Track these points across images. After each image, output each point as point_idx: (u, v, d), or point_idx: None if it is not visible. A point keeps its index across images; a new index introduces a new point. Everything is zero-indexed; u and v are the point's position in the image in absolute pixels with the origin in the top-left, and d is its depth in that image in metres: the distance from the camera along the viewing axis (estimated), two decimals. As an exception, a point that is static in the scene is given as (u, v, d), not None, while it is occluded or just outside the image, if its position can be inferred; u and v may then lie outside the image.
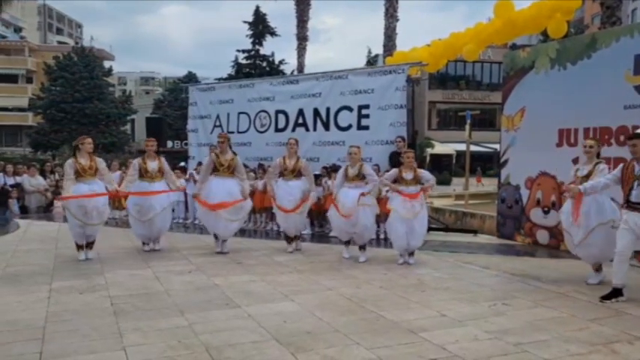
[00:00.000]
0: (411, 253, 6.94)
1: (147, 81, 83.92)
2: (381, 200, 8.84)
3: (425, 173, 7.13)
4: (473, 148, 23.83)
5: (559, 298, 5.22)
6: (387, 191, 8.85)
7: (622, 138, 6.95)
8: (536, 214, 8.32)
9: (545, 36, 14.36)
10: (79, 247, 6.97)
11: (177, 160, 14.45)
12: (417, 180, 6.91)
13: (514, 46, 24.59)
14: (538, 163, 8.23)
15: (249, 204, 7.85)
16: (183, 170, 11.52)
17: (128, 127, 40.84)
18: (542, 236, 8.21)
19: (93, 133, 31.04)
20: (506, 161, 8.98)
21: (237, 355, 3.65)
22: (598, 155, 5.85)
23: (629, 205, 5.01)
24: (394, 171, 7.16)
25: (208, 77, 40.07)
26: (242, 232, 9.28)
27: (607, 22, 12.60)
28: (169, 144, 32.56)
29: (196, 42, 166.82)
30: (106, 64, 42.30)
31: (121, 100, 39.14)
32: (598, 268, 5.82)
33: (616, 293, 5.02)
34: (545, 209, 8.17)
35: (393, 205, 6.88)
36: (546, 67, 8.15)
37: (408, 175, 6.90)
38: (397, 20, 19.36)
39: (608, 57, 7.21)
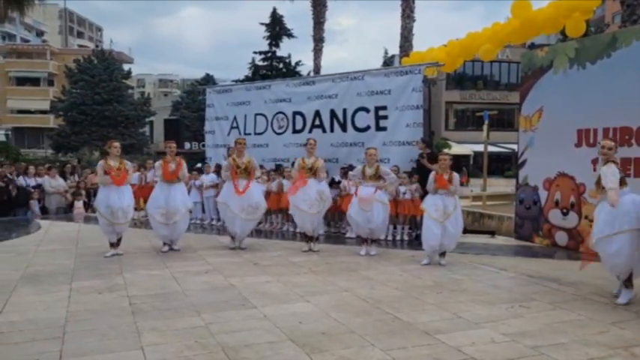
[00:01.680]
0: (443, 254, 6.98)
1: (165, 83, 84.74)
2: (399, 202, 8.87)
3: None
4: (490, 148, 23.60)
5: (578, 301, 5.15)
6: (404, 193, 8.91)
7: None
8: (554, 216, 8.22)
9: (564, 35, 14.17)
10: (111, 244, 7.39)
11: (195, 161, 14.57)
12: (449, 180, 6.95)
13: (532, 46, 24.31)
14: (556, 164, 8.13)
15: (264, 204, 8.08)
16: (200, 172, 11.63)
17: (147, 128, 41.35)
18: (561, 238, 8.11)
19: (112, 134, 31.52)
20: (524, 162, 8.89)
21: (253, 355, 3.68)
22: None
23: None
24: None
25: (225, 79, 40.37)
26: (258, 233, 9.35)
27: (628, 21, 12.37)
28: (187, 145, 32.84)
29: (213, 44, 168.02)
30: (125, 66, 42.85)
31: (139, 102, 39.66)
32: (627, 283, 5.11)
33: None
34: (564, 210, 8.06)
35: (426, 206, 7.01)
36: (565, 67, 8.05)
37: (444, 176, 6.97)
38: (414, 21, 19.28)
39: (628, 56, 7.10)
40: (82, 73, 36.41)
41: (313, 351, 3.76)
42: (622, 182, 5.04)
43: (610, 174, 4.99)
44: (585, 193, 7.69)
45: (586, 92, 7.61)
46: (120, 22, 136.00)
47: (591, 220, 7.63)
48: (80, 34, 72.22)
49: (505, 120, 36.18)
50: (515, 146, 9.82)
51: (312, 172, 7.72)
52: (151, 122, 41.65)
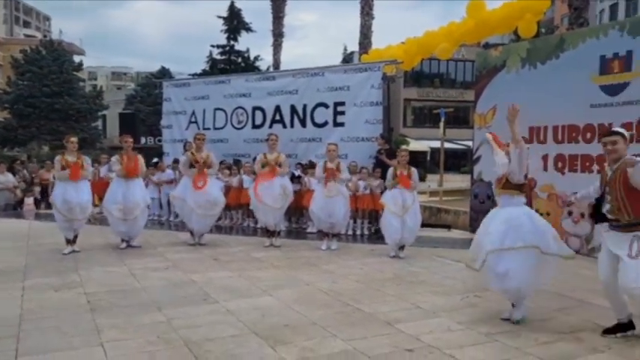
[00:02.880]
0: (402, 247, 7.16)
1: (118, 76, 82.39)
2: (357, 197, 9.02)
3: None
4: (447, 145, 24.16)
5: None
6: (365, 188, 9.07)
7: (588, 135, 7.22)
8: (507, 210, 8.53)
9: (516, 36, 14.68)
10: (68, 241, 7.20)
11: (151, 156, 14.30)
12: (408, 175, 7.14)
13: (487, 45, 25.01)
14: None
15: (222, 200, 8.05)
16: (157, 167, 11.44)
17: (99, 122, 40.10)
18: (513, 231, 8.43)
19: (63, 128, 30.43)
20: (478, 158, 9.19)
21: (217, 348, 3.70)
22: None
23: (605, 219, 3.97)
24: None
25: (182, 72, 39.60)
26: (218, 229, 9.29)
27: (575, 23, 12.97)
28: (142, 140, 32.10)
29: (169, 36, 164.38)
30: (76, 58, 41.30)
31: (91, 96, 38.34)
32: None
33: (622, 327, 3.98)
34: (516, 205, 8.39)
35: (386, 201, 7.18)
36: (517, 67, 8.36)
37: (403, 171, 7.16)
38: (373, 18, 19.52)
39: (575, 57, 7.45)
40: (30, 64, 34.87)
41: (277, 343, 3.81)
42: (521, 189, 4.38)
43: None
44: (536, 187, 8.04)
45: (537, 91, 7.93)
46: (69, 12, 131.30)
47: (542, 214, 8.03)
48: (27, 24, 69.20)
49: (461, 117, 37.08)
50: (470, 143, 10.11)
51: (276, 166, 7.75)
52: (104, 116, 40.41)
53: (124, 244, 7.57)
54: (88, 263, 6.50)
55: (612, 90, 6.93)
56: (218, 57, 34.43)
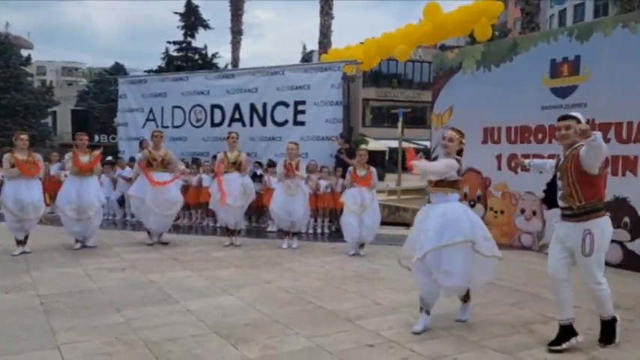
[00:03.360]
0: (362, 245, 7.24)
1: (69, 71, 79.60)
2: (318, 196, 9.07)
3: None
4: (405, 144, 24.56)
5: (485, 285, 5.56)
6: (327, 187, 9.14)
7: (540, 136, 7.51)
8: (463, 208, 8.77)
9: (472, 38, 15.09)
10: (18, 242, 6.97)
11: (105, 154, 13.91)
12: (368, 175, 7.22)
13: (443, 47, 25.56)
14: (465, 160, 8.60)
15: (180, 199, 7.94)
16: (112, 165, 11.16)
17: (49, 119, 38.64)
18: (469, 228, 8.67)
19: (10, 125, 29.18)
20: (436, 158, 9.37)
21: (178, 348, 3.65)
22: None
23: (556, 204, 3.89)
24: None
25: (137, 69, 38.60)
26: (177, 229, 9.14)
27: (527, 28, 13.45)
28: (96, 138, 31.16)
29: (123, 32, 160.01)
30: (24, 52, 39.69)
31: (40, 91, 36.88)
32: (465, 298, 4.43)
33: (565, 335, 3.74)
34: (472, 203, 8.63)
35: (345, 199, 7.26)
36: (472, 69, 8.60)
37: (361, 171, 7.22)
38: (332, 18, 19.65)
39: (527, 60, 7.73)
40: (-27, 57, 33.29)
41: (238, 342, 3.80)
42: (454, 185, 4.30)
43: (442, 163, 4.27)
44: (490, 186, 8.31)
45: (491, 93, 8.18)
46: (17, 5, 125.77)
47: (496, 212, 8.31)
48: (-29, 15, 65.95)
49: (418, 117, 37.78)
50: (428, 143, 10.34)
51: (236, 166, 7.70)
52: (54, 113, 39.00)
53: (78, 245, 7.35)
54: (41, 264, 6.28)
55: (562, 92, 7.22)
56: (174, 54, 33.81)
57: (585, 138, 3.45)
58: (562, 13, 40.86)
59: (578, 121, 3.71)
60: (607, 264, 6.67)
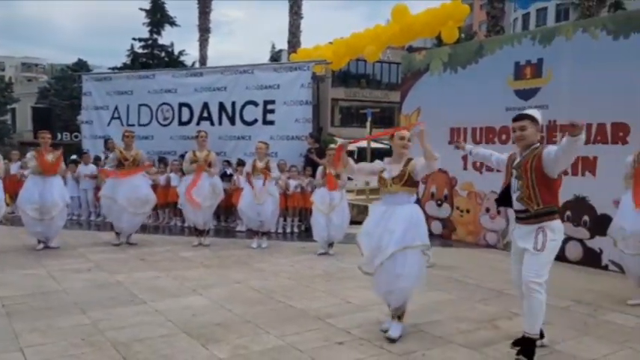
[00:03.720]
0: (331, 244, 7.29)
1: (29, 67, 77.06)
2: (287, 196, 9.07)
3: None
4: (373, 145, 24.76)
5: (451, 282, 5.70)
6: (296, 187, 9.15)
7: (504, 137, 7.70)
8: (430, 207, 8.93)
9: (439, 41, 15.35)
10: None
11: (70, 153, 13.56)
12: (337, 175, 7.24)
13: (411, 49, 25.89)
14: (432, 159, 8.81)
15: (153, 198, 7.84)
16: (76, 164, 10.89)
17: (8, 116, 37.40)
18: (436, 227, 8.83)
19: (-34, 122, 28.14)
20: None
21: (146, 349, 3.61)
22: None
23: (508, 204, 3.75)
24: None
25: (101, 66, 37.70)
26: (143, 229, 8.96)
27: (492, 31, 13.76)
28: (58, 136, 30.31)
29: (87, 27, 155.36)
30: (-18, 47, 38.33)
31: (-1, 88, 35.72)
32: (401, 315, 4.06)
33: (528, 346, 3.48)
34: (439, 202, 8.80)
35: (314, 199, 7.31)
36: (439, 70, 8.76)
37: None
38: (301, 17, 19.63)
39: (492, 63, 7.92)
40: None
41: (208, 341, 3.78)
42: (413, 184, 4.13)
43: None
44: (457, 186, 8.48)
45: (457, 94, 8.35)
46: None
47: (462, 211, 8.48)
48: None
49: (386, 118, 38.06)
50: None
51: (206, 165, 7.64)
52: (13, 110, 37.77)
53: (40, 246, 7.15)
54: (1, 266, 6.08)
55: (525, 94, 7.43)
56: (140, 51, 33.17)
57: (573, 133, 3.17)
58: (525, 17, 41.96)
59: (534, 120, 3.57)
60: (567, 261, 6.93)
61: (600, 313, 4.64)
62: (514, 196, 3.62)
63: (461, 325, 4.25)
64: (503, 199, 3.76)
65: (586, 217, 6.70)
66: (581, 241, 6.73)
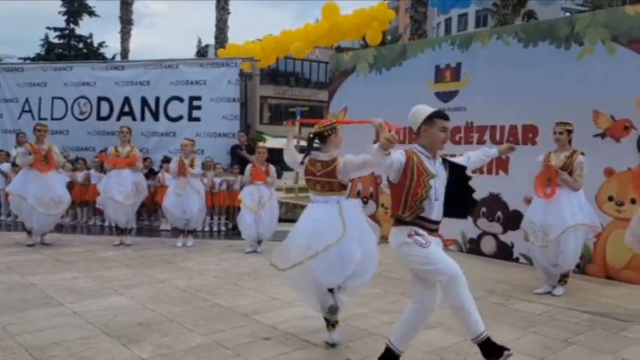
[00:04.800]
0: (259, 242, 7.27)
1: None
2: (215, 194, 8.96)
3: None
4: (302, 143, 24.99)
5: (377, 277, 5.80)
6: (220, 184, 9.05)
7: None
8: (356, 204, 9.13)
9: (366, 43, 15.71)
10: None
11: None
12: (266, 172, 7.31)
13: (339, 49, 26.32)
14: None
15: (68, 198, 7.47)
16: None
17: None
18: (362, 224, 9.05)
19: None
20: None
21: (63, 352, 3.45)
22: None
23: (425, 223, 3.14)
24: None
25: (11, 56, 35.06)
26: (59, 228, 8.51)
27: (415, 34, 14.26)
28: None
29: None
30: None
31: None
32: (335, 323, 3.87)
33: (491, 351, 3.07)
34: (365, 200, 9.03)
35: (243, 196, 7.25)
36: (365, 71, 8.98)
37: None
38: (229, 13, 19.37)
39: (415, 65, 8.23)
40: None
41: (130, 342, 3.68)
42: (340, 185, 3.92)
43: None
44: (381, 184, 8.74)
45: (382, 95, 8.60)
46: None
47: (387, 208, 8.74)
48: None
49: (315, 116, 38.26)
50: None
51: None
52: None
53: (-58, 248, 6.61)
54: None
55: (445, 97, 7.80)
56: (55, 41, 31.34)
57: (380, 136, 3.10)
58: (448, 22, 43.89)
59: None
60: (482, 254, 7.36)
61: (511, 302, 4.98)
62: (435, 205, 3.16)
63: (384, 317, 4.40)
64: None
65: (499, 213, 7.14)
66: (495, 235, 7.16)
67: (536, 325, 4.31)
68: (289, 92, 41.17)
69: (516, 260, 6.91)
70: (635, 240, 4.68)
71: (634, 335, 4.09)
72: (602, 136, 6.13)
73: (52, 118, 10.43)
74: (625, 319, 4.49)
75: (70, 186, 8.79)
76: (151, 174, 8.91)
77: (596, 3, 25.91)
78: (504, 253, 7.01)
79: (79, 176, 9.36)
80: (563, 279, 5.36)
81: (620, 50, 6.01)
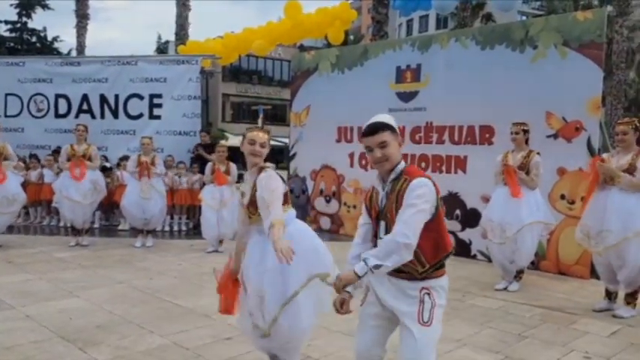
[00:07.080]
0: (221, 241, 7.23)
1: None
2: (174, 193, 8.82)
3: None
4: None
5: (337, 275, 5.91)
6: (182, 183, 8.92)
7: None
8: (319, 203, 9.19)
9: (329, 42, 15.75)
10: None
11: None
12: (227, 172, 7.23)
13: (302, 47, 26.32)
14: (321, 157, 9.10)
15: (23, 196, 7.21)
16: None
17: None
18: (325, 222, 9.11)
19: None
20: (294, 155, 9.70)
21: (16, 356, 3.35)
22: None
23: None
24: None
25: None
26: (10, 229, 8.19)
27: (377, 35, 14.40)
28: None
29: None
30: None
31: None
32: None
33: None
34: (327, 198, 9.09)
35: (204, 195, 7.20)
36: (328, 71, 9.03)
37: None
38: (189, 9, 19.06)
39: (376, 65, 8.33)
40: None
41: (87, 345, 3.60)
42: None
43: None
44: (344, 183, 8.81)
45: (344, 94, 8.67)
46: None
47: (349, 206, 8.82)
48: None
49: (278, 115, 38.27)
50: (287, 140, 10.61)
51: (86, 159, 7.18)
52: None
53: None
54: None
55: (406, 97, 7.92)
56: (7, 34, 30.18)
57: None
58: (409, 23, 44.48)
59: (394, 131, 2.39)
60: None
61: (469, 297, 5.11)
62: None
63: (344, 315, 4.43)
64: None
65: (458, 212, 7.31)
66: (453, 233, 7.32)
67: (492, 319, 4.44)
68: (252, 90, 40.89)
69: (474, 257, 7.09)
70: (584, 237, 4.88)
71: (583, 328, 4.27)
72: (555, 136, 6.36)
73: (6, 116, 10.07)
74: (575, 312, 4.69)
75: (23, 185, 8.48)
76: (103, 171, 8.68)
77: (550, 8, 26.75)
78: (463, 250, 7.18)
79: (32, 175, 9.06)
80: (518, 275, 5.54)
81: (570, 54, 6.25)
